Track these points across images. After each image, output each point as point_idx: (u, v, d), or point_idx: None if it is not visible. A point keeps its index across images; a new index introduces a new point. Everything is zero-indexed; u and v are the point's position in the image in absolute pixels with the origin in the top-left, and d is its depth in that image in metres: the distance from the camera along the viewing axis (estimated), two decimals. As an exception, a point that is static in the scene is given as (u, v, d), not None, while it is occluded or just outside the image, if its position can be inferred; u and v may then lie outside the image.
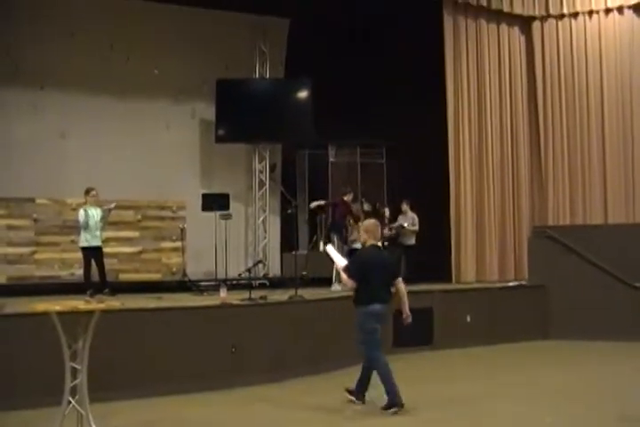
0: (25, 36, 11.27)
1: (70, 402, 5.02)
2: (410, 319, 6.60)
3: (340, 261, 6.79)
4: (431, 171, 12.24)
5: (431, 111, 12.18)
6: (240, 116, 12.56)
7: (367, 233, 6.61)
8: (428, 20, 11.97)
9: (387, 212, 11.95)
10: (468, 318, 9.99)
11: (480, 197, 12.25)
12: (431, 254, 11.63)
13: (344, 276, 6.46)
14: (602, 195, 12.40)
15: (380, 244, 6.81)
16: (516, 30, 12.85)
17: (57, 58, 11.45)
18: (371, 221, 6.87)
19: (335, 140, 13.60)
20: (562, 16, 12.68)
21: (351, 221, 10.76)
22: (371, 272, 6.32)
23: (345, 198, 11.05)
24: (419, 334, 10.01)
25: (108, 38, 11.73)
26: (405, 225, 11.58)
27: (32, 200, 11.08)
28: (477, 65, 12.44)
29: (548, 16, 12.72)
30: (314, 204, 11.30)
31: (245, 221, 13.24)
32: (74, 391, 5.07)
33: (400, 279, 6.60)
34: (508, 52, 12.72)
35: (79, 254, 9.69)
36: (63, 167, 11.64)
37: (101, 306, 5.43)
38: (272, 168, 13.27)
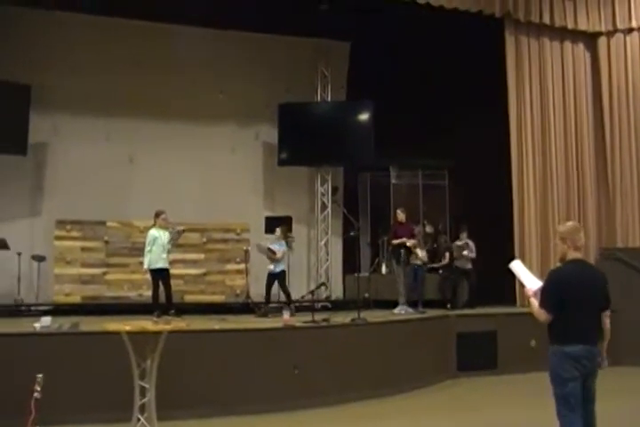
0: (95, 64, 11.77)
1: (139, 419, 5.15)
2: (605, 364, 4.70)
3: (530, 282, 4.78)
4: (494, 193, 12.10)
5: (494, 132, 12.08)
6: (302, 139, 12.72)
7: (565, 241, 4.63)
8: (490, 40, 11.93)
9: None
10: (533, 343, 9.80)
11: (544, 218, 12.02)
12: (495, 277, 11.46)
13: (534, 304, 4.63)
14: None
15: (579, 256, 4.68)
16: (580, 47, 12.58)
17: (126, 85, 11.89)
18: (568, 225, 4.79)
19: (397, 162, 13.61)
20: (630, 30, 12.29)
21: (409, 243, 10.64)
22: (571, 299, 4.49)
23: (398, 219, 11.00)
24: (483, 357, 9.91)
25: (173, 64, 12.12)
26: (465, 253, 11.44)
27: (103, 223, 11.50)
28: (540, 84, 12.27)
29: (615, 31, 12.34)
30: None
31: (308, 243, 13.35)
32: (142, 409, 5.20)
33: (608, 312, 4.77)
34: (573, 69, 12.48)
35: (147, 275, 9.94)
36: (131, 191, 12.04)
37: (169, 327, 5.58)
38: (334, 191, 13.36)
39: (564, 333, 4.51)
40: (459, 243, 11.49)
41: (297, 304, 10.74)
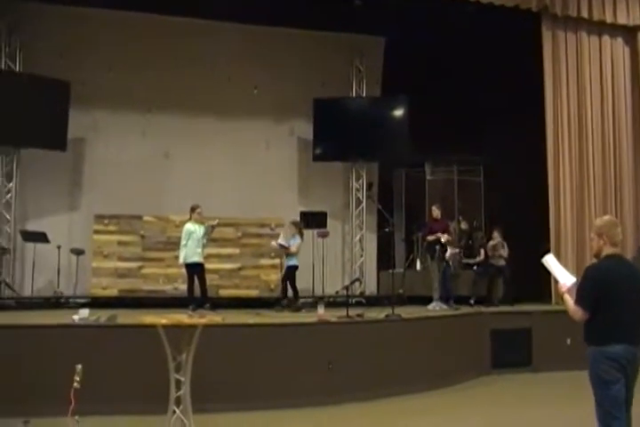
0: (133, 61, 11.93)
1: (175, 412, 5.23)
2: None
3: (564, 277, 4.57)
4: (529, 189, 11.97)
5: (530, 128, 11.94)
6: (337, 134, 12.73)
7: (601, 237, 4.42)
8: (526, 35, 11.79)
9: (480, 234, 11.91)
10: (568, 341, 9.69)
11: (581, 215, 11.84)
12: (530, 274, 11.35)
13: (568, 301, 4.42)
14: None
15: (617, 252, 4.46)
16: (619, 41, 12.34)
17: (163, 82, 12.02)
18: (605, 219, 4.62)
19: (432, 157, 13.54)
20: (671, 23, 12.10)
21: (443, 239, 10.59)
22: (610, 296, 4.28)
23: (434, 216, 10.97)
24: (517, 355, 9.83)
25: (209, 60, 12.21)
26: (502, 252, 11.34)
27: (139, 217, 11.66)
28: (578, 79, 12.07)
29: (656, 24, 12.15)
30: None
31: (342, 238, 13.35)
32: (178, 402, 5.27)
33: None
34: (611, 64, 12.25)
35: (182, 269, 10.05)
36: (167, 186, 12.18)
37: (204, 321, 5.63)
38: (369, 186, 13.35)
39: (603, 333, 4.29)
40: (492, 242, 11.38)
41: (331, 299, 10.79)
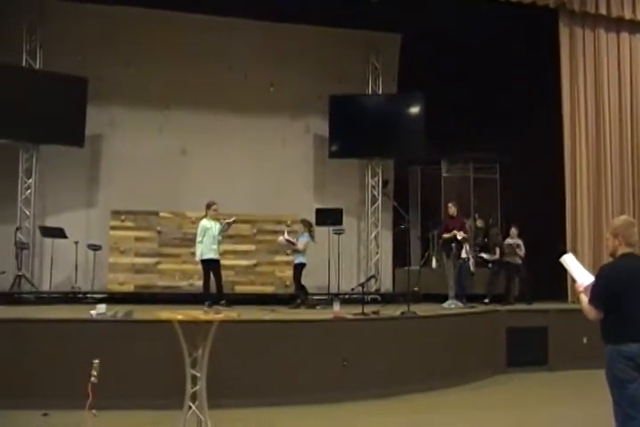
0: (150, 57, 11.99)
1: (191, 407, 5.26)
2: None
3: (582, 277, 4.55)
4: (546, 187, 11.90)
5: (546, 126, 11.87)
6: (353, 131, 12.72)
7: (617, 237, 4.43)
8: (543, 32, 11.72)
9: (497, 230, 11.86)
10: (585, 340, 9.64)
11: (598, 213, 11.76)
12: (546, 273, 11.29)
13: (584, 301, 4.42)
14: None
15: (633, 251, 4.45)
16: (638, 38, 12.19)
17: (180, 79, 12.06)
18: (621, 219, 4.63)
19: (448, 155, 13.49)
20: (691, 20, 11.98)
21: (459, 236, 10.56)
22: (624, 295, 4.27)
23: (450, 213, 10.94)
24: (533, 353, 9.80)
25: (226, 57, 12.23)
26: (519, 251, 11.29)
27: (156, 213, 11.71)
28: (595, 77, 11.97)
29: (676, 21, 12.02)
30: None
31: (358, 235, 13.35)
32: (194, 397, 5.31)
33: None
34: (629, 61, 12.15)
35: (198, 266, 10.10)
36: (183, 182, 12.24)
37: (220, 316, 5.64)
38: (385, 183, 13.33)
39: (618, 331, 4.28)
40: (510, 241, 11.32)
41: (347, 296, 10.79)
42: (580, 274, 4.55)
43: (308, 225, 10.68)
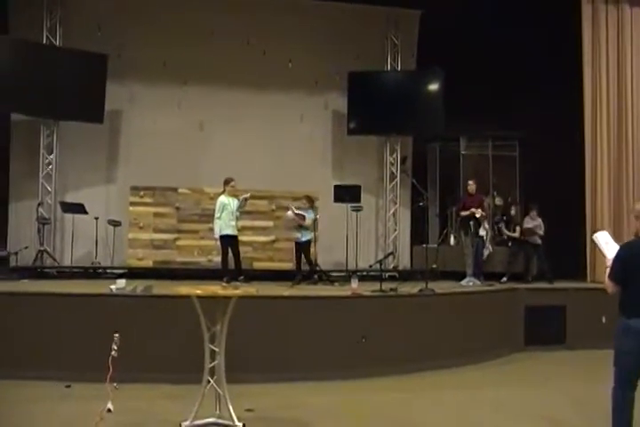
0: (171, 35, 11.93)
1: (209, 381, 5.32)
2: None
3: (612, 253, 4.81)
4: (566, 164, 11.77)
5: (567, 103, 11.71)
6: (371, 108, 12.63)
7: (638, 219, 4.78)
8: (565, 7, 11.49)
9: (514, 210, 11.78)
10: (604, 319, 9.59)
11: (618, 192, 11.61)
12: (566, 251, 11.23)
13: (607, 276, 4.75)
14: None
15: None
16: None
17: (199, 55, 12.02)
18: None
19: (466, 132, 13.36)
20: None
21: (477, 214, 10.51)
22: (636, 272, 4.56)
23: (469, 190, 10.89)
24: (551, 332, 9.78)
25: (244, 34, 12.15)
26: (539, 232, 11.21)
27: (174, 189, 11.77)
28: (618, 53, 11.73)
29: (703, -5, 11.72)
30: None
31: (376, 212, 13.33)
32: (212, 372, 5.36)
33: None
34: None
35: (216, 242, 10.14)
36: (202, 158, 12.25)
37: (239, 292, 5.67)
38: (403, 160, 13.25)
39: (630, 306, 4.59)
40: (529, 224, 11.23)
41: (364, 273, 10.80)
42: (611, 250, 4.82)
43: (311, 201, 10.68)
